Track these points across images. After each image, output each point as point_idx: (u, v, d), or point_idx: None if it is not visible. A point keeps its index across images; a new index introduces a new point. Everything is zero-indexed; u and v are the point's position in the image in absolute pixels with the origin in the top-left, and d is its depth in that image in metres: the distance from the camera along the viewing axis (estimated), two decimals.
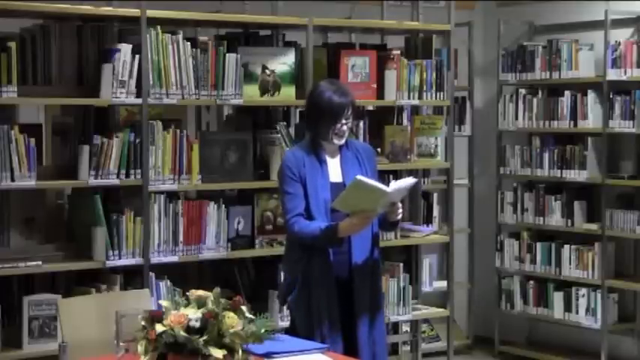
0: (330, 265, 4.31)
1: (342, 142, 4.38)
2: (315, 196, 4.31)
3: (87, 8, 5.00)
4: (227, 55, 5.33)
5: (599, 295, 6.66)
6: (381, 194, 4.16)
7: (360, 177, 4.14)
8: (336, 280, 4.33)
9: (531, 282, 7.10)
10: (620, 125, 6.48)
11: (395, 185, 4.23)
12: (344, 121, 4.33)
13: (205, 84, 5.27)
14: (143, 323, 3.16)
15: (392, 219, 4.36)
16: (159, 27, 5.13)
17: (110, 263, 4.98)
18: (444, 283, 6.41)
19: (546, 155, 6.94)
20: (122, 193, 5.12)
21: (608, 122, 6.54)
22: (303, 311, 4.33)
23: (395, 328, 6.46)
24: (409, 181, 4.43)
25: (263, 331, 3.23)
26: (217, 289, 3.27)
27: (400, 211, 4.34)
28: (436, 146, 6.12)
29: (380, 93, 5.91)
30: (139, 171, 5.05)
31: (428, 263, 6.57)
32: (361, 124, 5.79)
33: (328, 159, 4.40)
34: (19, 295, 4.86)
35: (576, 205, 6.79)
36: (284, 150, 5.43)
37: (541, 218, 7.00)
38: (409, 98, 5.96)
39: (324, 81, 4.56)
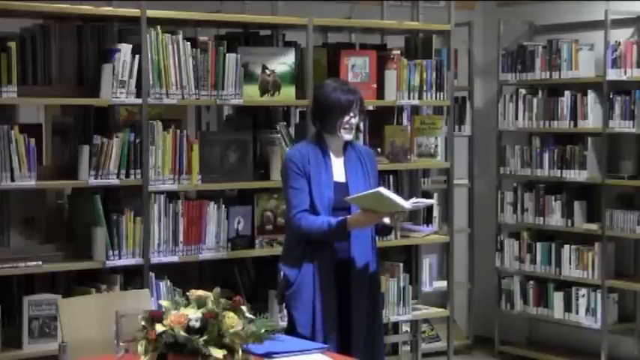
0: (332, 262, 4.33)
1: (350, 136, 4.42)
2: (320, 193, 4.33)
3: (87, 8, 5.00)
4: (227, 55, 5.33)
5: (599, 295, 6.66)
6: (397, 207, 4.24)
7: (382, 189, 4.21)
8: (335, 278, 4.35)
9: (531, 282, 7.10)
10: (620, 125, 6.48)
11: (414, 201, 4.33)
12: (352, 114, 4.37)
13: (205, 84, 5.26)
14: (143, 323, 3.16)
15: (392, 224, 4.40)
16: (159, 27, 5.13)
17: (110, 263, 4.98)
18: (444, 283, 6.41)
19: (546, 155, 6.94)
20: (122, 193, 5.12)
21: (608, 122, 6.54)
22: (303, 308, 4.35)
23: (395, 328, 6.46)
24: (428, 201, 4.67)
25: (263, 331, 3.23)
26: (217, 289, 3.27)
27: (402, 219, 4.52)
28: (436, 146, 6.12)
29: (380, 93, 5.91)
30: (139, 171, 5.05)
31: (428, 263, 6.57)
32: (361, 124, 5.79)
33: (332, 157, 4.43)
34: (19, 295, 4.86)
35: (576, 205, 6.79)
36: (284, 150, 5.43)
37: (541, 218, 7.00)
38: (409, 98, 5.96)
39: (330, 79, 4.64)
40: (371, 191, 4.22)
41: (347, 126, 4.39)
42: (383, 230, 4.53)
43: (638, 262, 6.76)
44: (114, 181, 4.99)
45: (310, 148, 4.42)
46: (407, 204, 4.23)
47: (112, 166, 4.97)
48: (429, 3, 6.49)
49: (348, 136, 4.42)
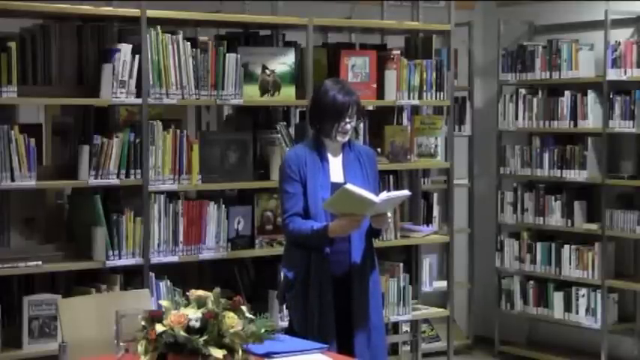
0: (328, 265, 4.33)
1: (346, 139, 4.41)
2: (314, 195, 4.33)
3: (87, 8, 5.01)
4: (227, 55, 5.33)
5: (599, 295, 6.66)
6: (368, 203, 4.19)
7: (348, 186, 4.18)
8: (335, 280, 4.35)
9: (531, 282, 7.10)
10: (620, 125, 6.48)
11: (384, 196, 4.25)
12: (347, 120, 4.36)
13: (205, 84, 5.27)
14: (143, 323, 3.16)
15: (376, 226, 4.37)
16: (159, 27, 5.13)
17: (110, 263, 4.98)
18: (444, 283, 6.41)
19: (546, 155, 6.94)
20: (122, 193, 5.12)
21: (608, 122, 6.54)
22: (300, 310, 4.36)
23: (395, 328, 6.46)
24: (402, 193, 4.48)
25: (263, 331, 3.23)
26: (217, 289, 3.27)
27: (388, 222, 4.37)
28: (436, 146, 6.13)
29: (380, 93, 5.91)
30: (139, 171, 5.05)
31: (428, 263, 6.56)
32: (361, 124, 5.79)
33: (330, 158, 4.43)
34: (19, 295, 4.86)
35: (576, 205, 6.79)
36: (284, 150, 5.44)
37: (541, 218, 7.00)
38: (409, 98, 5.97)
39: (329, 80, 4.60)
40: (337, 192, 4.20)
41: (341, 130, 4.38)
42: (372, 233, 4.50)
43: (638, 262, 6.76)
44: (114, 181, 4.99)
45: (308, 150, 4.42)
46: (377, 199, 4.20)
47: (112, 166, 4.97)
48: (429, 3, 6.49)
49: (343, 139, 4.41)
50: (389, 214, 4.33)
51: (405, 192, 4.49)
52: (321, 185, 4.35)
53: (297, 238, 4.34)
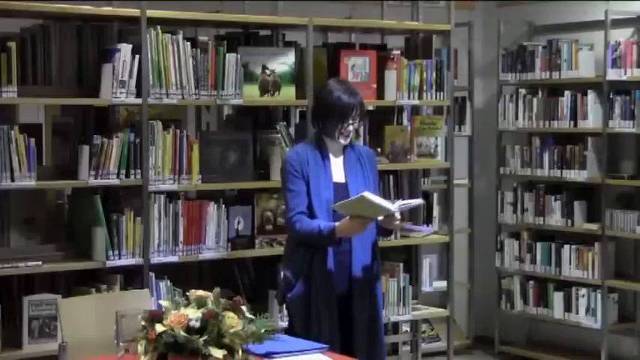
0: (331, 267, 4.33)
1: (347, 142, 4.42)
2: (318, 195, 4.33)
3: (87, 8, 5.01)
4: (227, 55, 5.33)
5: (599, 295, 6.66)
6: (384, 211, 4.22)
7: (366, 194, 4.17)
8: (336, 283, 4.35)
9: (531, 282, 7.10)
10: (620, 125, 6.48)
11: (399, 204, 4.30)
12: (351, 121, 4.37)
13: (205, 84, 5.27)
14: (143, 323, 3.16)
15: (387, 226, 4.39)
16: (159, 27, 5.13)
17: (110, 263, 4.98)
18: (444, 283, 6.41)
19: (546, 155, 6.94)
20: (122, 193, 5.12)
21: (608, 122, 6.54)
22: (301, 311, 4.35)
23: (395, 328, 6.46)
24: (416, 202, 4.61)
25: (263, 331, 3.23)
26: (217, 289, 3.27)
27: (397, 222, 4.36)
28: (436, 146, 6.13)
29: (380, 93, 5.91)
30: (138, 171, 5.05)
31: (428, 263, 6.56)
32: (361, 128, 5.78)
33: (332, 158, 4.43)
34: (19, 295, 4.86)
35: (576, 205, 6.79)
36: (284, 150, 5.44)
37: (541, 218, 7.00)
38: (409, 98, 5.97)
39: (333, 80, 4.61)
40: (355, 197, 4.21)
41: (344, 132, 4.39)
42: (383, 232, 4.51)
43: (638, 262, 6.75)
44: (114, 181, 4.99)
45: (309, 150, 4.42)
46: (393, 207, 4.22)
47: (112, 166, 4.97)
48: (429, 3, 6.49)
49: (345, 142, 4.42)
50: (397, 215, 4.33)
51: (419, 200, 4.69)
52: (324, 186, 4.35)
53: (303, 238, 4.33)
